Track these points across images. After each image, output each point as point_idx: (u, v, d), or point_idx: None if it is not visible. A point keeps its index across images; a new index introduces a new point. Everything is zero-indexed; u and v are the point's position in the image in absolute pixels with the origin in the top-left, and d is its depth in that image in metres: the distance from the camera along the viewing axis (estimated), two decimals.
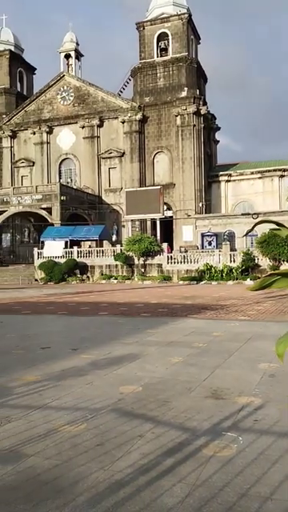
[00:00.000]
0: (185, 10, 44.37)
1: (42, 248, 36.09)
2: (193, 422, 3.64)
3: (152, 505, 2.43)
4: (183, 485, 2.63)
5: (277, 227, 1.93)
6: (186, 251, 35.10)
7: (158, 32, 44.45)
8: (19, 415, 3.84)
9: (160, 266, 32.84)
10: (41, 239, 37.40)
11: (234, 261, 30.66)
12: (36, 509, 2.40)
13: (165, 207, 39.27)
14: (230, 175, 45.16)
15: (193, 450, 3.11)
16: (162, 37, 44.51)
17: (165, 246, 33.74)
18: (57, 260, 34.11)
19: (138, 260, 32.99)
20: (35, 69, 55.33)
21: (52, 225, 37.64)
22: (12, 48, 51.51)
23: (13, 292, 23.31)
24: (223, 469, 2.83)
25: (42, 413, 3.90)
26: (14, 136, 48.50)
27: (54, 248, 35.14)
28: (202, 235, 39.44)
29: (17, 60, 51.78)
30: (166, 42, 44.42)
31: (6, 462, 2.94)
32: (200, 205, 41.81)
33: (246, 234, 21.65)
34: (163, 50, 44.73)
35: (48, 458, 3.00)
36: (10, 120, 48.59)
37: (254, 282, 22.58)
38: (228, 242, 33.42)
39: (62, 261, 33.97)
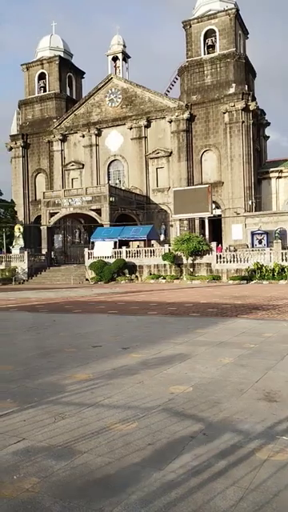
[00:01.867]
0: (232, 5, 43.63)
1: (92, 248, 36.79)
2: (245, 424, 3.57)
3: (205, 507, 2.40)
4: (236, 488, 2.59)
5: None
6: (235, 250, 34.54)
7: (205, 29, 43.98)
8: (72, 412, 3.92)
9: (209, 265, 32.51)
10: (91, 240, 38.14)
11: (286, 259, 29.80)
12: (90, 505, 2.44)
13: (213, 206, 38.81)
14: (281, 171, 43.93)
15: (246, 453, 3.05)
16: (209, 34, 43.99)
17: (214, 244, 33.34)
18: (106, 260, 34.65)
19: (187, 259, 32.83)
20: (84, 73, 56.44)
21: (101, 225, 38.26)
22: (61, 54, 52.83)
23: (65, 291, 23.92)
24: (278, 473, 2.75)
25: (94, 410, 3.97)
26: (64, 139, 49.73)
27: (103, 248, 35.73)
28: (252, 233, 38.60)
29: (66, 65, 53.05)
30: (214, 38, 43.85)
31: (60, 458, 3.02)
32: (250, 202, 40.96)
33: None
34: (210, 47, 44.21)
35: (100, 455, 3.04)
36: (60, 124, 49.87)
37: None
38: (279, 240, 32.48)
39: (112, 261, 34.45)
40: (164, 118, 44.39)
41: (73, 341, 7.94)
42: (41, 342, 7.94)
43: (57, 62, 51.42)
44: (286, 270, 28.71)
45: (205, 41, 44.16)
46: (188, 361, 5.91)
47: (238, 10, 43.25)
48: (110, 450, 3.12)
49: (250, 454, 3.02)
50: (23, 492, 2.59)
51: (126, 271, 34.21)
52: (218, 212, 41.08)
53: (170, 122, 43.99)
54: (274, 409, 3.93)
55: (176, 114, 43.55)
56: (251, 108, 41.46)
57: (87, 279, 34.95)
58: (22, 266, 38.18)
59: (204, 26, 44.04)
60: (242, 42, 45.76)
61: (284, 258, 29.98)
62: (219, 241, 38.36)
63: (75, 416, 3.83)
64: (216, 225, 41.16)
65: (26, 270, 37.84)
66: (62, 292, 23.51)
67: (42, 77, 52.49)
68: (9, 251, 41.76)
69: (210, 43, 44.10)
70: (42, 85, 52.44)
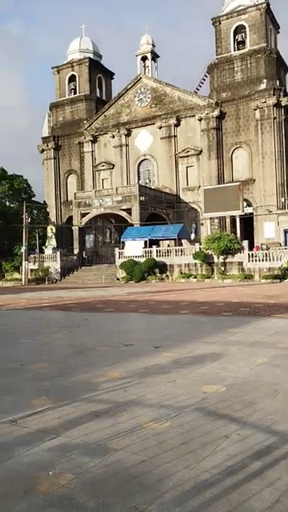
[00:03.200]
0: (262, 0, 42.87)
1: (122, 248, 37.00)
2: (280, 425, 3.51)
3: (240, 508, 2.38)
4: (272, 490, 2.54)
5: None
6: (267, 248, 33.98)
7: (235, 25, 43.42)
8: (105, 410, 3.95)
9: (241, 264, 32.12)
10: (121, 239, 38.36)
11: None
12: (124, 502, 2.45)
13: (244, 204, 38.27)
14: None
15: (282, 454, 2.99)
16: (239, 30, 43.40)
17: (245, 243, 32.92)
18: (137, 259, 34.76)
19: (218, 258, 32.54)
20: (113, 73, 56.78)
21: (132, 225, 38.41)
22: (91, 55, 53.32)
23: (96, 291, 24.16)
24: None
25: (128, 409, 3.98)
26: (94, 140, 50.19)
27: (134, 248, 35.86)
28: (285, 231, 37.87)
29: (96, 67, 53.51)
30: (243, 34, 43.22)
31: (95, 455, 3.04)
32: (282, 200, 40.17)
33: None
34: (240, 43, 43.60)
35: (134, 453, 3.05)
36: (90, 125, 50.36)
37: None
38: None
39: (142, 260, 34.53)
40: (194, 116, 44.12)
41: (105, 339, 8.00)
42: (73, 341, 8.04)
43: (87, 64, 51.95)
44: None
45: (234, 37, 43.60)
46: (221, 360, 5.86)
47: (268, 4, 42.48)
48: (143, 448, 3.13)
49: (286, 456, 2.96)
50: (59, 488, 2.63)
51: (157, 270, 34.22)
52: (249, 210, 40.49)
53: (200, 120, 43.67)
54: None
55: (206, 111, 43.20)
56: (283, 104, 40.65)
57: (118, 279, 35.17)
58: (54, 265, 38.82)
59: (234, 22, 43.50)
60: (272, 37, 44.91)
61: None
62: (251, 239, 37.79)
63: (108, 414, 3.86)
64: (247, 223, 40.57)
65: (59, 269, 38.44)
66: (94, 291, 23.76)
67: (72, 79, 53.15)
68: (42, 251, 42.54)
69: (239, 39, 43.51)
70: (73, 87, 53.09)
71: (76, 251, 41.71)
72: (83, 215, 41.62)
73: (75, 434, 3.44)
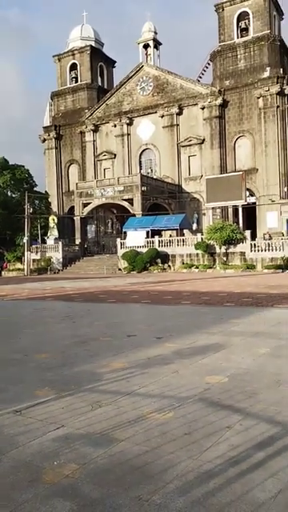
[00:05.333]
0: None
1: (124, 238, 36.98)
2: (283, 416, 3.52)
3: (243, 498, 2.39)
4: (275, 480, 2.56)
5: None
6: (270, 238, 33.92)
7: (238, 12, 42.86)
8: (109, 401, 3.97)
9: (243, 254, 32.09)
10: (123, 230, 38.32)
11: None
12: (128, 492, 2.47)
13: (247, 193, 38.13)
14: None
15: (285, 445, 3.00)
16: (243, 16, 42.86)
17: (248, 233, 32.83)
18: (139, 250, 34.76)
19: (220, 248, 32.51)
20: (115, 62, 56.29)
21: (133, 215, 38.34)
22: (93, 43, 52.77)
23: (98, 281, 24.21)
24: None
25: (131, 399, 4.00)
26: (96, 130, 49.90)
27: (135, 238, 35.85)
28: None
29: (97, 55, 53.00)
30: (247, 21, 42.68)
31: (98, 446, 3.06)
32: (285, 189, 40.00)
33: None
34: (244, 30, 43.08)
35: (138, 443, 3.07)
36: (92, 114, 50.02)
37: None
38: None
39: (144, 250, 34.54)
40: (196, 104, 43.76)
41: (108, 330, 8.03)
42: (76, 331, 8.07)
43: (88, 52, 51.45)
44: None
45: (238, 24, 43.09)
46: (223, 351, 5.87)
47: None
48: (146, 438, 3.15)
49: None
50: (63, 478, 2.65)
51: (159, 261, 34.24)
52: (252, 200, 40.34)
53: (203, 109, 43.33)
54: None
55: (208, 100, 42.85)
56: (287, 92, 40.28)
57: (120, 269, 35.21)
58: (56, 256, 38.88)
59: (237, 9, 42.93)
60: (276, 24, 44.38)
61: None
62: (254, 229, 37.70)
63: (112, 404, 3.88)
64: (250, 213, 40.45)
65: (61, 259, 38.52)
66: (96, 282, 23.80)
67: (73, 67, 52.71)
68: (44, 242, 42.57)
69: (243, 26, 43.00)
70: (74, 75, 52.67)
71: (78, 241, 41.74)
72: (85, 205, 41.56)
73: (79, 424, 3.46)
